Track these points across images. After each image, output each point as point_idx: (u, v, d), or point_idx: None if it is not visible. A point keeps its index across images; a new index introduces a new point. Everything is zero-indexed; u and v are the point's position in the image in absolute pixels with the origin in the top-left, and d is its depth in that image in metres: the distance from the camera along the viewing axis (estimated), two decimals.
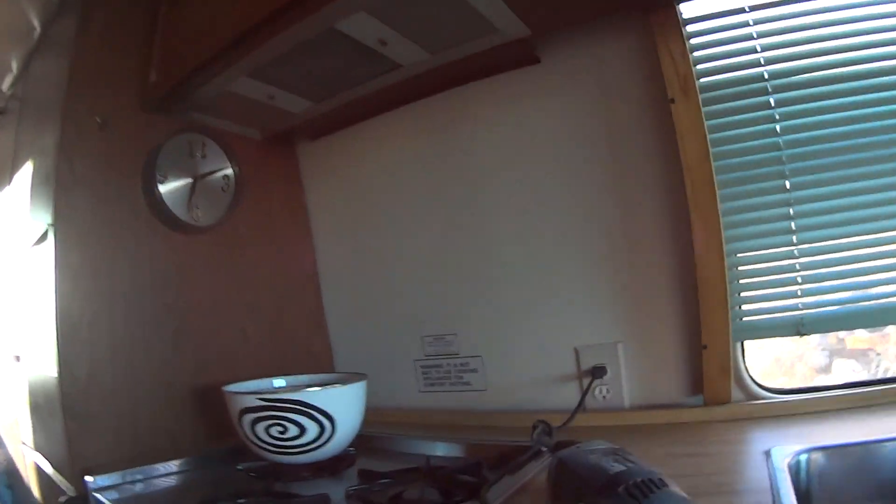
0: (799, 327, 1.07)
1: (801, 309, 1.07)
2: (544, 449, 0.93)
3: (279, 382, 1.22)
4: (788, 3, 1.04)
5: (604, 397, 1.20)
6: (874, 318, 1.07)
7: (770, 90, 1.06)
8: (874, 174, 1.02)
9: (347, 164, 1.52)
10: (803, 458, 0.86)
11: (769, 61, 1.06)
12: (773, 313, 1.09)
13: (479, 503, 0.77)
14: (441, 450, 1.12)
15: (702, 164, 1.04)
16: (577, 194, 1.23)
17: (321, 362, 1.50)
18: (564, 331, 1.25)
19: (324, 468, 1.05)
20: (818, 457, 0.86)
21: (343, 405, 1.05)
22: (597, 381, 1.20)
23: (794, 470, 0.81)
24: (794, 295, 1.07)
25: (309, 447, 1.01)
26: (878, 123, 1.01)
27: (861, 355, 1.28)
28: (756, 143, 1.06)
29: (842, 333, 1.26)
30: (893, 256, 1.03)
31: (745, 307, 1.09)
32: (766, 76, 1.06)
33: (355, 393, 1.08)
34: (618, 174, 1.19)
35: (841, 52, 1.03)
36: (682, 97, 1.04)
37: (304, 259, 1.53)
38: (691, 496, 0.56)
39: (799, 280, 1.06)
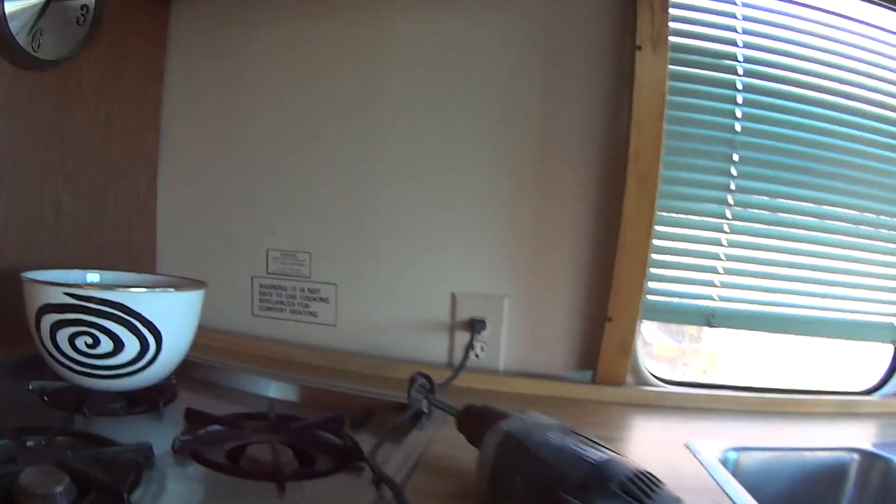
0: (710, 318, 1.01)
1: (716, 301, 1.01)
2: (425, 411, 0.81)
3: (93, 277, 0.96)
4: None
5: (476, 356, 1.08)
6: (783, 325, 1.03)
7: (741, 73, 1.00)
8: (819, 187, 1.02)
9: (224, 37, 1.22)
10: (731, 456, 0.80)
11: (748, 45, 1.00)
12: (687, 298, 1.03)
13: (374, 480, 0.61)
14: (284, 391, 0.95)
15: (654, 122, 0.95)
16: (490, 119, 1.07)
17: (141, 262, 1.25)
18: (443, 271, 1.10)
19: (140, 400, 0.84)
20: (745, 457, 0.81)
21: (175, 317, 0.81)
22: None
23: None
24: (711, 284, 1.01)
25: (125, 370, 0.78)
26: (836, 140, 1.01)
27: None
28: (714, 119, 1.00)
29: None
30: (815, 270, 1.03)
31: (655, 285, 1.02)
32: (741, 58, 1.00)
33: (191, 303, 0.84)
34: (549, 111, 1.05)
35: (818, 63, 1.01)
36: (650, 47, 0.96)
37: (146, 135, 1.24)
38: None
39: (720, 270, 1.01)
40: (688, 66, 0.99)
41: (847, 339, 1.05)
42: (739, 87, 0.98)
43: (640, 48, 0.96)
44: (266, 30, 1.19)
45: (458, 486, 0.62)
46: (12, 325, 0.87)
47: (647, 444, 0.88)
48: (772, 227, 1.00)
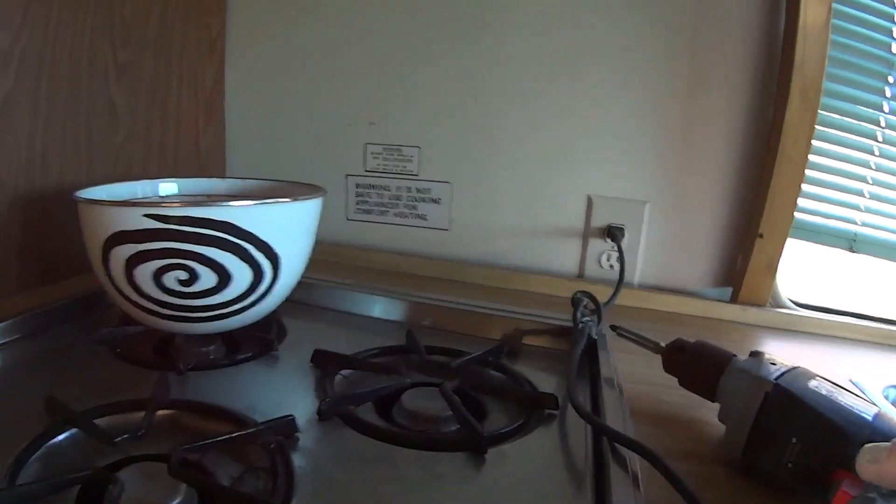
0: (852, 242, 0.99)
1: (859, 225, 0.99)
2: (595, 337, 0.71)
3: (168, 188, 0.76)
4: None
5: (611, 266, 1.00)
6: None
7: None
8: None
9: None
10: (891, 393, 0.76)
11: None
12: (832, 220, 1.00)
13: (594, 432, 0.51)
14: (407, 312, 0.79)
15: (822, 28, 0.93)
16: (637, 6, 0.96)
17: (211, 166, 1.06)
18: (577, 170, 1.00)
19: (243, 341, 0.66)
20: None
21: (294, 234, 0.63)
22: (606, 247, 1.00)
23: None
24: (857, 207, 1.00)
25: (233, 307, 0.60)
26: None
27: None
28: (873, 35, 0.98)
29: None
30: None
31: (804, 203, 0.99)
32: None
33: (311, 215, 0.66)
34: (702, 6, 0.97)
35: None
36: None
37: (211, 19, 1.04)
38: None
39: (866, 194, 0.99)
40: None
41: None
42: None
43: None
44: None
45: (692, 441, 0.54)
46: (60, 256, 0.69)
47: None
48: None
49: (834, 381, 0.47)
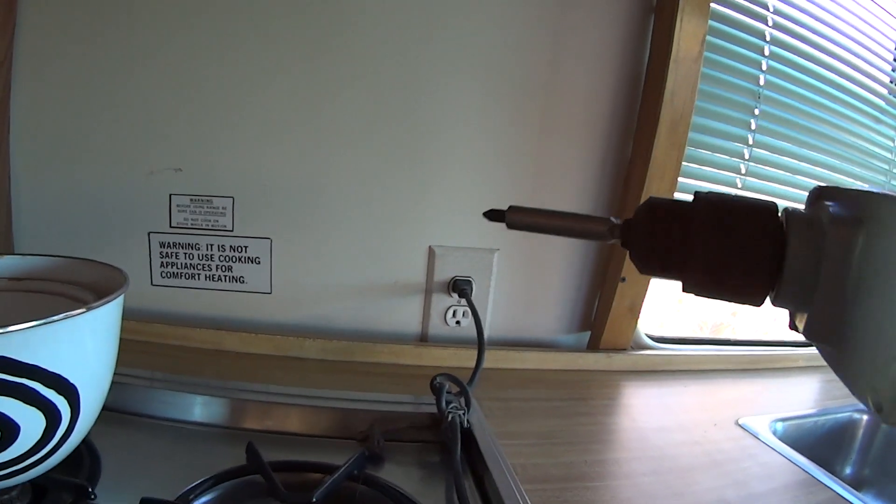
0: None
1: None
2: (467, 424, 0.63)
3: None
4: None
5: (457, 322, 0.90)
6: None
7: (770, 24, 0.94)
8: (836, 155, 1.03)
9: None
10: (778, 427, 0.75)
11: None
12: None
13: None
14: (240, 413, 0.65)
15: (694, 60, 0.85)
16: (488, 38, 0.83)
17: None
18: (415, 220, 0.87)
19: (50, 488, 0.50)
20: (784, 426, 0.78)
21: (94, 350, 0.47)
22: (451, 302, 0.89)
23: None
24: None
25: (25, 462, 0.44)
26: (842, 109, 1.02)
27: None
28: (741, 66, 0.93)
29: None
30: None
31: None
32: (772, 9, 0.94)
33: (112, 318, 0.49)
34: (560, 36, 0.84)
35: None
36: None
37: None
38: None
39: None
40: (724, 6, 0.89)
41: None
42: (767, 38, 0.92)
43: None
44: None
45: None
46: None
47: (699, 426, 0.78)
48: (776, 186, 0.97)
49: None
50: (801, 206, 0.28)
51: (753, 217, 0.27)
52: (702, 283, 0.28)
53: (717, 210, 0.28)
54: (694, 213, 0.28)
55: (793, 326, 0.28)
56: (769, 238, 0.27)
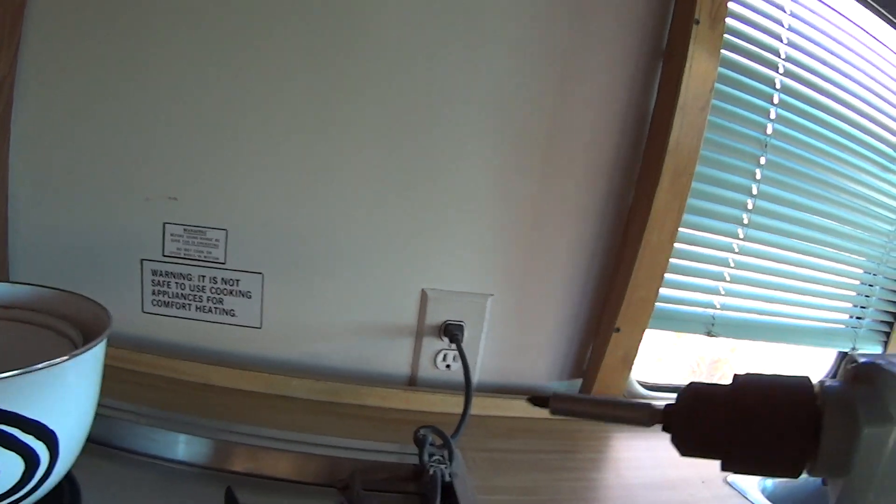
0: (710, 327, 0.95)
1: (717, 308, 0.95)
2: (448, 478, 0.62)
3: None
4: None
5: (447, 366, 0.89)
6: (775, 335, 1.01)
7: (781, 70, 0.91)
8: (842, 205, 1.01)
9: None
10: (769, 483, 0.74)
11: (791, 44, 0.92)
12: (691, 306, 0.95)
13: None
14: (220, 455, 0.64)
15: (701, 109, 0.83)
16: (490, 79, 0.81)
17: None
18: (410, 261, 0.85)
19: None
20: (778, 484, 0.76)
21: (73, 397, 0.47)
22: (442, 346, 0.88)
23: None
24: (716, 292, 0.94)
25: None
26: (854, 159, 1.01)
27: None
28: (748, 115, 0.90)
29: None
30: (818, 283, 1.04)
31: (664, 291, 0.91)
32: (783, 55, 0.92)
33: (94, 364, 0.49)
34: (565, 78, 0.82)
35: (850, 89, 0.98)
36: (707, 22, 0.81)
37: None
38: None
39: (727, 277, 0.94)
40: (735, 52, 0.87)
41: (820, 346, 1.07)
42: (777, 85, 0.90)
43: (697, 22, 0.81)
44: None
45: None
46: None
47: (688, 483, 0.76)
48: (779, 237, 0.95)
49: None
50: (836, 382, 0.29)
51: (791, 402, 0.29)
52: (743, 464, 0.30)
53: (755, 395, 0.29)
54: (733, 398, 0.30)
55: (824, 483, 0.31)
56: (806, 425, 0.28)
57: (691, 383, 0.32)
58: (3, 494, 0.42)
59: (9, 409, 0.40)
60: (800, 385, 0.29)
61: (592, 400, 0.36)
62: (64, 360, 0.43)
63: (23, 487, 0.44)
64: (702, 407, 0.31)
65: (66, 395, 0.45)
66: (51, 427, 0.44)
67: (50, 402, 0.43)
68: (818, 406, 0.28)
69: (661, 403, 0.32)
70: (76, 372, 0.46)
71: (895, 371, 0.28)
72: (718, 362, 1.32)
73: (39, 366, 0.41)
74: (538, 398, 0.37)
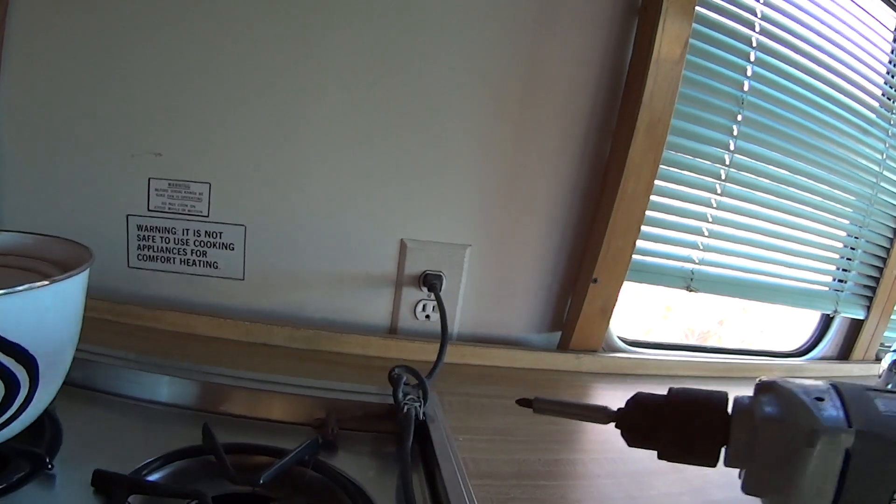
0: (689, 282, 0.95)
1: (696, 263, 0.95)
2: (422, 417, 0.63)
3: None
4: None
5: (427, 317, 0.90)
6: (752, 292, 1.01)
7: (757, 29, 0.93)
8: (822, 166, 1.02)
9: None
10: None
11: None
12: (670, 259, 0.95)
13: None
14: (200, 395, 0.66)
15: (676, 62, 0.84)
16: (466, 27, 0.82)
17: None
18: (389, 212, 0.87)
19: (11, 456, 0.50)
20: None
21: (53, 324, 0.47)
22: (422, 296, 0.89)
23: None
24: (695, 246, 0.95)
25: None
26: (831, 119, 1.01)
27: None
28: (725, 71, 0.91)
29: None
30: (801, 243, 1.04)
31: (641, 244, 0.92)
32: (759, 14, 0.93)
33: (75, 293, 0.50)
34: (542, 28, 0.84)
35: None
36: None
37: None
38: None
39: (705, 232, 0.95)
40: (709, 10, 0.88)
41: (801, 307, 1.08)
42: (754, 43, 0.91)
43: None
44: None
45: None
46: None
47: None
48: (758, 194, 0.96)
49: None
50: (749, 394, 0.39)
51: (707, 411, 0.38)
52: (670, 455, 0.39)
53: (683, 403, 0.39)
54: (666, 405, 0.39)
55: (740, 475, 0.38)
56: (718, 427, 0.37)
57: (637, 393, 0.41)
58: None
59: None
60: (717, 397, 0.39)
61: (566, 402, 0.44)
62: (44, 285, 0.44)
63: (2, 414, 0.44)
64: (643, 411, 0.40)
65: (46, 321, 0.46)
66: (31, 351, 0.44)
67: (30, 325, 0.44)
68: (729, 413, 0.38)
69: (614, 407, 0.42)
70: (56, 298, 0.47)
71: (787, 386, 0.36)
72: (708, 333, 1.32)
73: (20, 288, 0.42)
74: (524, 400, 0.45)
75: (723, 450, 0.37)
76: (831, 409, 0.34)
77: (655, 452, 0.39)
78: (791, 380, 0.37)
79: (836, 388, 0.36)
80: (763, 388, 0.38)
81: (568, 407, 0.45)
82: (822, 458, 0.33)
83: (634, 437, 0.40)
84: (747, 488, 0.37)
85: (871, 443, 0.33)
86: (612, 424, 0.42)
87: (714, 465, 0.38)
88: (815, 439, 0.33)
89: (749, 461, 0.37)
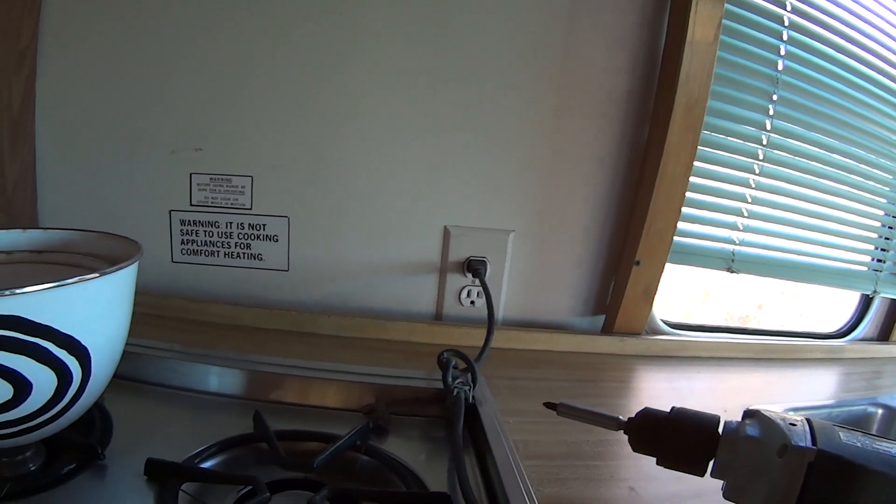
0: (730, 263, 0.95)
1: (737, 245, 0.95)
2: (470, 401, 0.64)
3: None
4: None
5: (472, 302, 0.91)
6: (793, 273, 1.01)
7: (789, 8, 0.92)
8: (859, 145, 1.01)
9: None
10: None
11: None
12: (711, 241, 0.95)
13: None
14: (248, 384, 0.67)
15: (710, 43, 0.84)
16: (504, 18, 0.83)
17: (18, 204, 0.83)
18: (432, 199, 0.87)
19: (61, 448, 0.51)
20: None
21: (105, 316, 0.48)
22: (466, 282, 0.90)
23: None
24: (735, 227, 0.95)
25: (37, 419, 0.45)
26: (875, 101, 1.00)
27: None
28: (759, 51, 0.91)
29: None
30: (839, 223, 1.03)
31: (682, 226, 0.92)
32: (789, 8, 0.92)
33: (126, 285, 0.50)
34: (577, 14, 0.85)
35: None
36: None
37: (22, 16, 0.78)
38: None
39: (745, 213, 0.95)
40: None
41: (840, 287, 1.07)
42: (786, 22, 0.91)
43: None
44: None
45: None
46: None
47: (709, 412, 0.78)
48: (796, 173, 0.96)
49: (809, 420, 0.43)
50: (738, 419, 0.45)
51: (700, 430, 0.45)
52: (670, 463, 0.45)
53: (682, 421, 0.45)
54: (667, 421, 0.46)
55: (722, 486, 0.44)
56: (707, 444, 0.44)
57: (645, 408, 0.48)
58: (37, 410, 0.43)
59: (42, 322, 0.41)
60: (710, 419, 0.45)
61: (585, 409, 0.50)
62: (95, 277, 0.44)
63: (56, 404, 0.45)
64: (648, 423, 0.46)
65: (98, 313, 0.46)
66: (83, 343, 0.44)
67: (82, 317, 0.44)
68: (719, 432, 0.44)
69: (625, 417, 0.48)
70: (107, 290, 0.47)
71: (768, 414, 0.43)
72: (747, 318, 1.32)
73: (71, 280, 0.42)
74: (551, 403, 0.52)
75: (711, 463, 0.44)
76: (801, 433, 0.40)
77: (655, 459, 0.47)
78: (773, 411, 0.44)
79: (808, 421, 0.42)
80: (749, 414, 0.45)
81: (586, 413, 0.51)
82: (789, 469, 0.39)
83: (639, 443, 0.47)
84: (727, 494, 0.44)
85: (831, 461, 0.38)
86: (621, 431, 0.49)
87: (702, 475, 0.45)
88: (784, 452, 0.39)
89: (730, 473, 0.43)
